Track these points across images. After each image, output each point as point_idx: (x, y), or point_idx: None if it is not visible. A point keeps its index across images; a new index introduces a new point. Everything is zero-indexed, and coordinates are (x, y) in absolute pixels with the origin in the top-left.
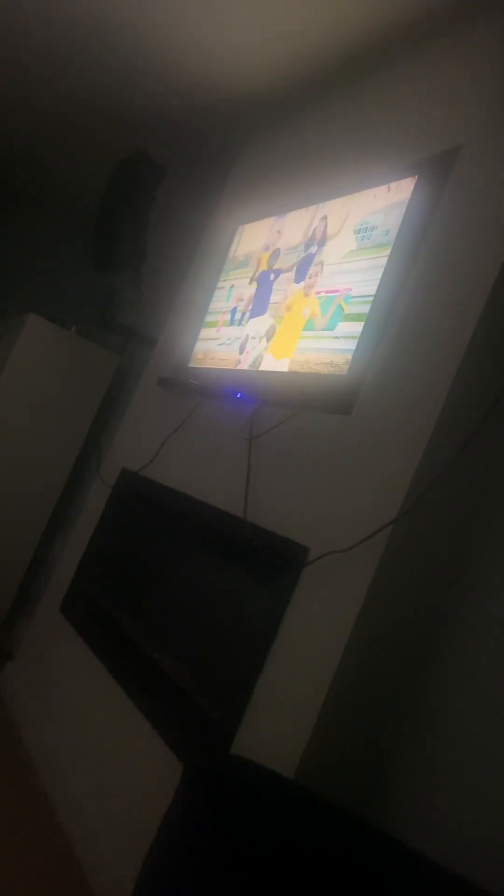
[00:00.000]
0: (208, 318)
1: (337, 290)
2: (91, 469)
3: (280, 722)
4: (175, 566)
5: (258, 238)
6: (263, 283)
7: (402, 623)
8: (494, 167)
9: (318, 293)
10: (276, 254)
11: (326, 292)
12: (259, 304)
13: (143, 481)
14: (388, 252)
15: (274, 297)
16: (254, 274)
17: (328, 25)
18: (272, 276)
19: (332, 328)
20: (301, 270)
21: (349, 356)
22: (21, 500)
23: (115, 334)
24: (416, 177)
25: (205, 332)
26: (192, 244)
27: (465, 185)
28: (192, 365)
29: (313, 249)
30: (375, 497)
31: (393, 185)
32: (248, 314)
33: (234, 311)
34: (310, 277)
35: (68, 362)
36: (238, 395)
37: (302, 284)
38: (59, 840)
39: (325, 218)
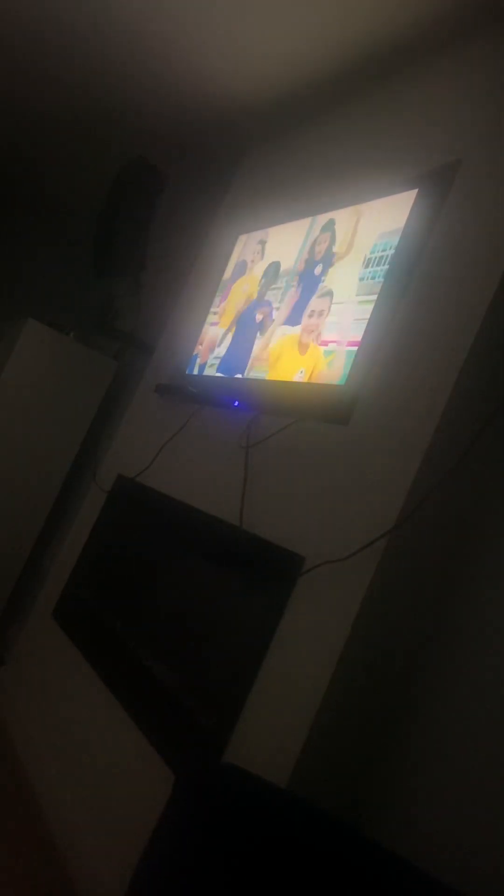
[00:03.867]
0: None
1: (357, 342)
2: (87, 474)
3: (273, 731)
4: (170, 573)
5: (246, 251)
6: (245, 322)
7: (397, 633)
8: (494, 181)
9: (327, 343)
10: (269, 275)
11: (337, 343)
12: (236, 353)
13: (139, 488)
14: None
15: (258, 345)
16: (225, 305)
17: (329, 40)
18: (259, 315)
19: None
20: (297, 309)
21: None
22: (16, 505)
23: (113, 340)
24: (417, 190)
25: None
26: (193, 252)
27: (464, 199)
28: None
29: (316, 272)
30: (372, 507)
31: (389, 207)
32: (213, 368)
33: (194, 359)
34: (312, 315)
35: (66, 368)
36: (235, 404)
37: (297, 329)
38: (48, 849)
39: (331, 222)
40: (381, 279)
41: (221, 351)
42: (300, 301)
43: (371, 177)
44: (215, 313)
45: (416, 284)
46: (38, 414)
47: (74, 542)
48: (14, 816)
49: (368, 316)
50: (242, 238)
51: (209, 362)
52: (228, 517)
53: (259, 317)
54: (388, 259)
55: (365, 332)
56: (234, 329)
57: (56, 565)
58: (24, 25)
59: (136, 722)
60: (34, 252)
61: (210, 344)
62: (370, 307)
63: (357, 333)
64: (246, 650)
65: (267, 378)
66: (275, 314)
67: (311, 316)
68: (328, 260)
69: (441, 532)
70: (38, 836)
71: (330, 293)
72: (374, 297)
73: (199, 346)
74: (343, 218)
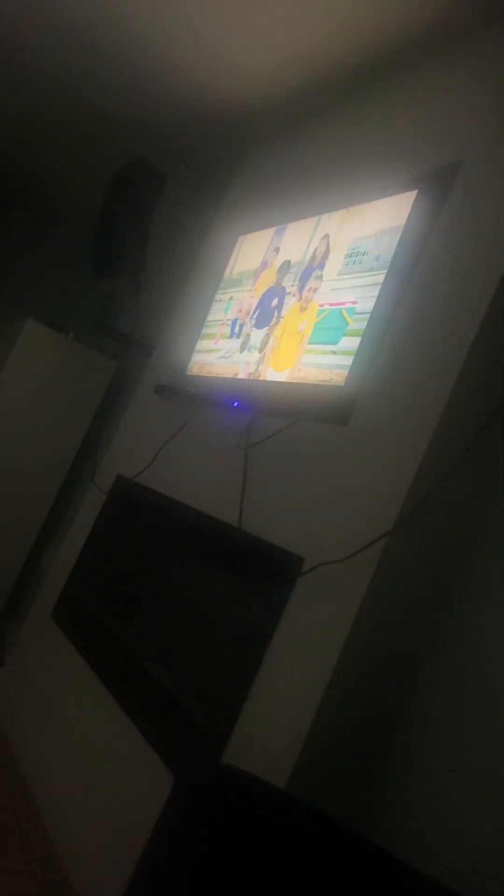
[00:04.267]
0: (206, 331)
1: (341, 304)
2: (86, 475)
3: (272, 732)
4: (169, 574)
5: (258, 252)
6: (268, 298)
7: (396, 634)
8: (495, 182)
9: (322, 305)
10: (284, 268)
11: (330, 305)
12: (262, 318)
13: (138, 488)
14: (381, 272)
15: (276, 312)
16: (255, 287)
17: (329, 40)
18: (277, 292)
19: (334, 342)
20: (300, 286)
21: (346, 373)
22: (15, 505)
23: (112, 341)
24: (417, 191)
25: (202, 345)
26: (192, 253)
27: (464, 200)
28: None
29: (314, 265)
30: (371, 508)
31: (390, 206)
32: (249, 326)
33: (234, 322)
34: (308, 291)
35: (65, 368)
36: (235, 404)
37: (299, 298)
38: (47, 849)
39: (326, 237)
40: (361, 263)
41: (254, 315)
42: (301, 284)
43: (371, 178)
44: (249, 295)
45: (415, 285)
46: (37, 414)
47: (74, 543)
48: (13, 817)
49: (348, 285)
50: (241, 238)
51: (247, 322)
52: (227, 518)
53: (275, 301)
54: (371, 252)
55: (365, 332)
56: (258, 307)
57: (55, 566)
58: (24, 25)
59: (135, 722)
60: (34, 252)
61: (246, 310)
62: (352, 280)
63: (339, 298)
64: (245, 651)
65: (281, 334)
66: (288, 290)
67: (309, 290)
68: (324, 259)
69: (440, 533)
70: (37, 837)
71: (321, 276)
72: (356, 276)
73: (237, 312)
74: (340, 222)
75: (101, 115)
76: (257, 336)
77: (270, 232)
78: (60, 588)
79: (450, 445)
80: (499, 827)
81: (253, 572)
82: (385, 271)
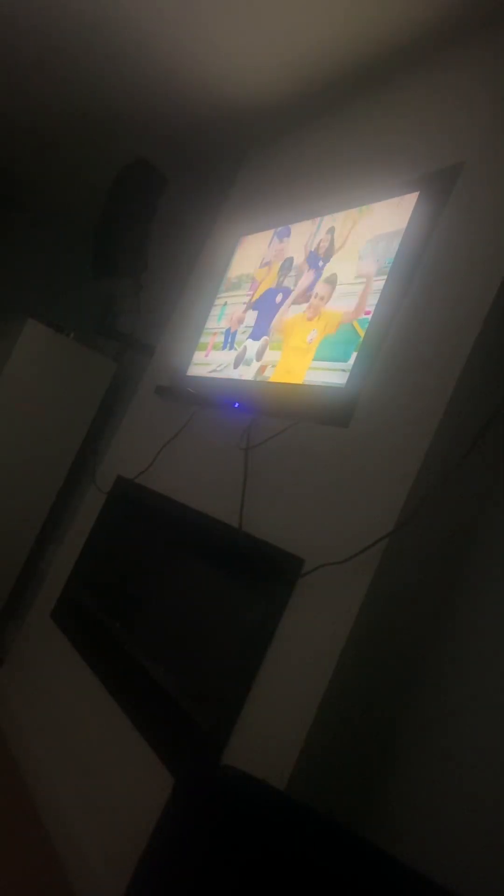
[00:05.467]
0: (200, 340)
1: (351, 311)
2: (86, 475)
3: (272, 733)
4: (169, 575)
5: (257, 253)
6: (267, 302)
7: (396, 635)
8: (497, 184)
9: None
10: (284, 268)
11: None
12: (260, 326)
13: (138, 489)
14: (381, 277)
15: (276, 319)
16: (253, 293)
17: (331, 41)
18: (279, 297)
19: (344, 359)
20: (305, 289)
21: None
22: (15, 506)
23: (113, 341)
24: (419, 192)
25: (197, 356)
26: (193, 254)
27: (466, 201)
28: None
29: (319, 265)
30: (371, 510)
31: (391, 208)
32: (243, 337)
33: (226, 332)
34: (316, 298)
35: (66, 368)
36: (235, 405)
37: (305, 305)
38: (46, 851)
39: (331, 230)
40: (380, 265)
41: (250, 323)
42: (312, 283)
43: (373, 179)
44: (244, 301)
45: (416, 287)
46: (37, 415)
47: (73, 543)
48: (11, 818)
49: (354, 291)
50: (241, 240)
51: (240, 330)
52: (228, 519)
53: (279, 297)
54: (383, 256)
55: (366, 334)
56: (257, 307)
57: (55, 566)
58: (27, 25)
59: (135, 723)
60: (34, 252)
61: (238, 319)
62: (358, 286)
63: (353, 305)
64: (245, 652)
65: (283, 345)
66: (291, 294)
67: (315, 297)
68: (329, 254)
69: (440, 535)
70: (37, 837)
71: (333, 278)
72: (365, 280)
73: (230, 321)
74: (344, 221)
75: (102, 115)
76: (253, 348)
77: (270, 234)
78: (60, 588)
79: (450, 446)
80: (499, 827)
81: (253, 573)
82: (385, 276)
